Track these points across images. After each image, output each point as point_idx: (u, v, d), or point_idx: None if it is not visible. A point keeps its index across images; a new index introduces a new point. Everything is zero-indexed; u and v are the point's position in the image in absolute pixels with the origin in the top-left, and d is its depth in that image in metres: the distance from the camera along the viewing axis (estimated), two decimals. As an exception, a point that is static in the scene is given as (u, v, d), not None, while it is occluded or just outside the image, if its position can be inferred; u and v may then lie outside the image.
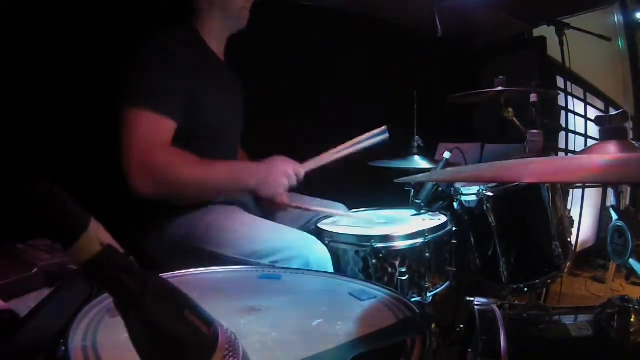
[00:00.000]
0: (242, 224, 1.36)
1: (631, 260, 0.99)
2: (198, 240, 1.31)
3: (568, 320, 0.90)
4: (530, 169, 0.77)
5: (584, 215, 3.00)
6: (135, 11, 1.64)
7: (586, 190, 3.11)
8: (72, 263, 0.93)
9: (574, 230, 1.72)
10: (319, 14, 2.34)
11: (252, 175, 1.36)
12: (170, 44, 1.32)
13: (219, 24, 1.49)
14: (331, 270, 1.28)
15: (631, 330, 0.81)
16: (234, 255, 1.25)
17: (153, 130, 1.24)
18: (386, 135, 1.57)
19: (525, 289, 1.52)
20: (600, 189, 3.28)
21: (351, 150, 1.53)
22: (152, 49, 1.32)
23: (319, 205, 1.64)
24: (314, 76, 2.30)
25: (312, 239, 1.31)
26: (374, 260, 1.35)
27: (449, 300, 1.60)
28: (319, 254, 1.25)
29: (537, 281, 1.52)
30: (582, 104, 3.18)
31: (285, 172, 1.37)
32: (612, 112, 2.58)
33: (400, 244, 1.38)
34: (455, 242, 1.54)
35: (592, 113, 3.18)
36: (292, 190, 1.44)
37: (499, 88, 1.77)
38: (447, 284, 1.50)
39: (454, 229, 1.54)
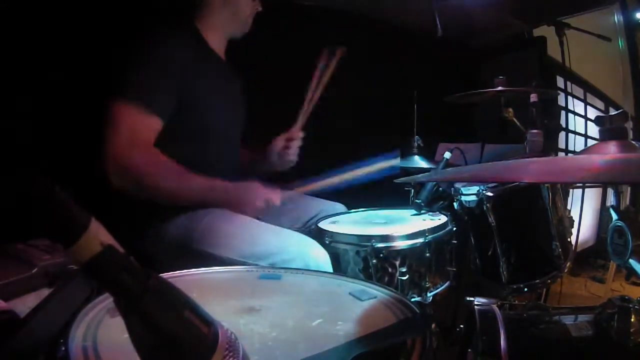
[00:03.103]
0: (241, 225, 1.35)
1: (631, 260, 0.99)
2: (197, 241, 1.31)
3: (568, 320, 0.90)
4: (530, 169, 0.77)
5: (584, 215, 3.00)
6: (135, 9, 1.64)
7: (586, 190, 3.11)
8: (72, 263, 0.93)
9: (574, 230, 1.72)
10: (319, 14, 2.34)
11: (223, 197, 1.36)
12: (169, 42, 1.33)
13: (223, 26, 1.50)
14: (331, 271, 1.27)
15: (631, 330, 0.81)
16: (232, 257, 1.25)
17: (137, 127, 1.24)
18: (396, 159, 1.60)
19: (525, 289, 1.52)
20: (600, 189, 3.28)
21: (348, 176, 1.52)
22: (151, 46, 1.32)
23: (317, 202, 1.64)
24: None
25: (311, 241, 1.30)
26: (374, 260, 1.35)
27: (449, 300, 1.60)
28: (318, 257, 1.25)
29: (537, 281, 1.52)
30: (582, 104, 3.18)
31: (256, 199, 1.37)
32: (612, 112, 2.58)
33: (401, 244, 1.38)
34: (455, 242, 1.55)
35: (592, 113, 3.19)
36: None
37: (499, 88, 1.77)
38: (447, 284, 1.50)
39: (454, 229, 1.54)
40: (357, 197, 1.75)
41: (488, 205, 1.50)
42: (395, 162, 1.56)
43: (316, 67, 1.59)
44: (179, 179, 1.29)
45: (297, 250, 1.24)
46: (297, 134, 1.63)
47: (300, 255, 1.22)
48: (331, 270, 1.28)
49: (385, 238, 1.38)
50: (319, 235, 1.43)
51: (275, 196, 1.39)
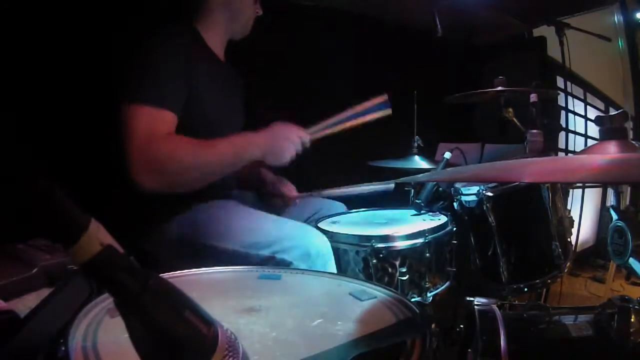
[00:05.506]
0: (241, 216, 1.36)
1: (631, 260, 0.99)
2: (198, 235, 1.31)
3: (568, 320, 0.90)
4: (530, 169, 0.77)
5: (584, 215, 3.00)
6: (135, 9, 1.64)
7: (586, 190, 3.11)
8: (72, 263, 0.93)
9: (574, 230, 1.72)
10: (319, 14, 2.34)
11: (256, 146, 1.32)
12: (170, 41, 1.33)
13: (223, 29, 1.51)
14: (332, 260, 1.28)
15: (631, 330, 0.81)
16: (234, 247, 1.25)
17: (154, 123, 1.24)
18: (388, 109, 1.53)
19: (525, 289, 1.52)
20: (600, 189, 3.28)
21: (354, 121, 1.50)
22: (153, 46, 1.32)
23: (316, 201, 1.64)
24: (314, 76, 2.29)
25: (312, 229, 1.31)
26: (374, 260, 1.35)
27: (449, 300, 1.60)
28: (319, 244, 1.25)
29: (537, 281, 1.52)
30: (582, 104, 3.18)
31: (289, 138, 1.35)
32: (612, 112, 2.57)
33: (401, 244, 1.38)
34: (455, 242, 1.55)
35: (592, 113, 3.19)
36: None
37: (499, 88, 1.77)
38: (447, 284, 1.50)
39: (454, 229, 1.54)
40: (357, 197, 1.75)
41: (488, 205, 1.50)
42: (387, 111, 1.54)
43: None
44: (205, 147, 1.26)
45: (298, 237, 1.24)
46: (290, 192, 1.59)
47: (301, 243, 1.22)
48: (333, 258, 1.28)
49: (385, 238, 1.38)
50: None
51: (304, 133, 1.39)
